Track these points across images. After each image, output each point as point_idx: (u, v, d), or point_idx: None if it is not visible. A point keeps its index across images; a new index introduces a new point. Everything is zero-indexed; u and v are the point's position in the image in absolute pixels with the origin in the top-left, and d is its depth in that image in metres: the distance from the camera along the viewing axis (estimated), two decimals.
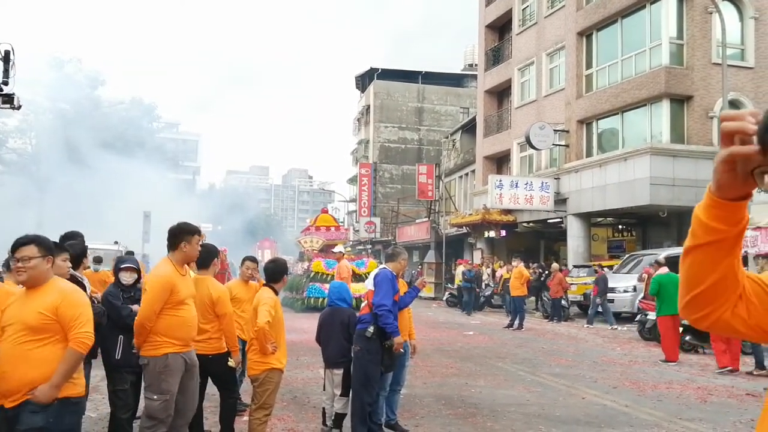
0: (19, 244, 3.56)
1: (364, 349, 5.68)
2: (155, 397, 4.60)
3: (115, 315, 5.31)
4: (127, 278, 5.59)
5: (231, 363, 5.37)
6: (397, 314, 5.87)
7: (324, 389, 6.27)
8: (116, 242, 19.60)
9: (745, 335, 1.22)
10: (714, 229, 1.12)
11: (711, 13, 19.91)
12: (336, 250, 19.69)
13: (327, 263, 21.18)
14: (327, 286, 16.79)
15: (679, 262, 1.21)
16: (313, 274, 21.49)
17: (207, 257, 5.54)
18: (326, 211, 27.86)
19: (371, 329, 5.64)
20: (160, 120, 55.98)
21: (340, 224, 29.82)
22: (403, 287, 6.67)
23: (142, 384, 4.86)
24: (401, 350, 5.85)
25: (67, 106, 45.78)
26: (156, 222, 25.93)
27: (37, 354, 3.42)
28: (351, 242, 36.70)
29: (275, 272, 5.51)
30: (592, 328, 17.35)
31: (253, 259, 7.19)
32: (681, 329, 11.97)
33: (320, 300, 19.32)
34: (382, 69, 53.66)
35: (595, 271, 18.91)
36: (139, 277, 5.71)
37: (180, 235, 4.80)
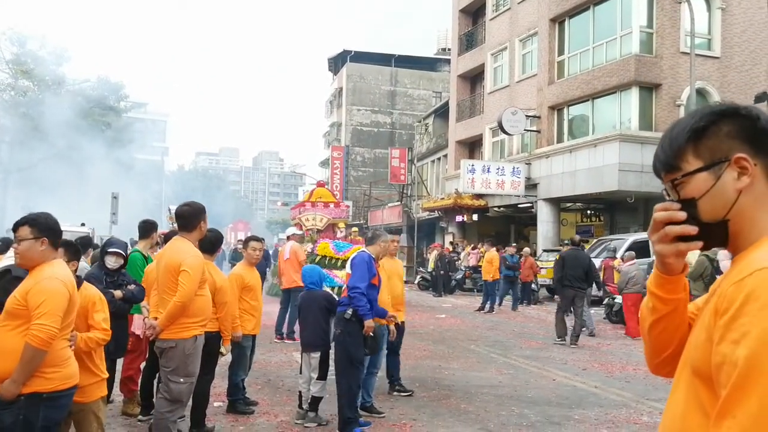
0: (16, 225, 3.45)
1: (344, 332, 5.70)
2: (182, 380, 4.59)
3: None
4: (112, 263, 5.42)
5: (222, 350, 5.36)
6: (376, 297, 5.89)
7: (300, 372, 6.30)
8: (83, 224, 19.31)
9: None
10: (672, 299, 1.39)
11: (680, 3, 20.15)
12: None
13: (336, 245, 16.45)
14: (336, 272, 13.99)
15: (644, 333, 1.46)
16: (318, 258, 16.12)
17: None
18: (323, 185, 23.12)
19: (350, 311, 5.67)
20: (128, 99, 54.82)
21: (339, 201, 24.24)
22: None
23: (164, 369, 4.70)
24: (371, 333, 5.85)
25: (30, 82, 44.64)
26: (123, 204, 25.56)
27: (7, 342, 3.21)
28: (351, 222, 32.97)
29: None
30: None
31: (258, 239, 6.92)
32: None
33: (334, 289, 13.18)
34: (355, 51, 53.20)
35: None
36: (125, 263, 5.58)
37: (199, 215, 4.79)
